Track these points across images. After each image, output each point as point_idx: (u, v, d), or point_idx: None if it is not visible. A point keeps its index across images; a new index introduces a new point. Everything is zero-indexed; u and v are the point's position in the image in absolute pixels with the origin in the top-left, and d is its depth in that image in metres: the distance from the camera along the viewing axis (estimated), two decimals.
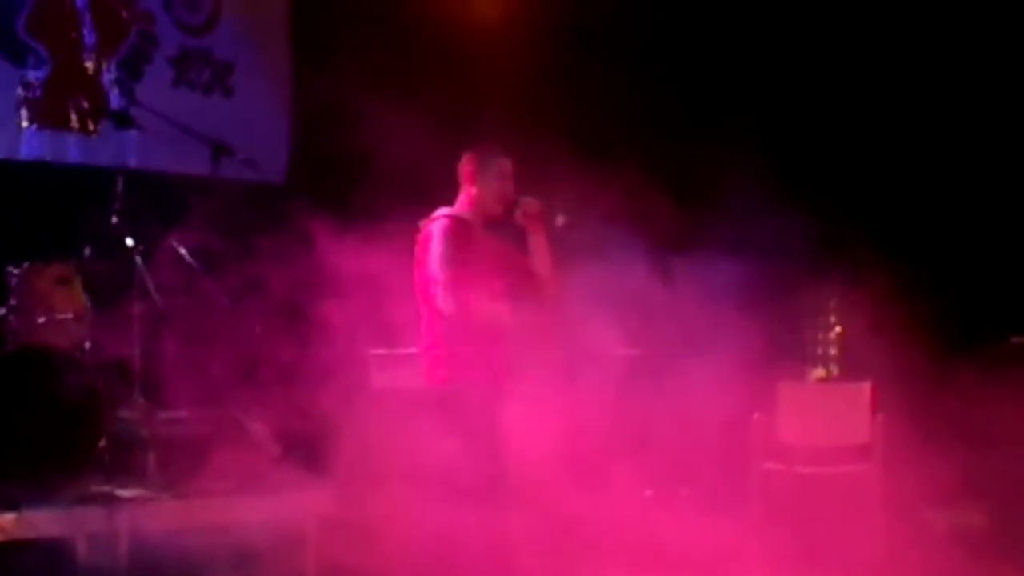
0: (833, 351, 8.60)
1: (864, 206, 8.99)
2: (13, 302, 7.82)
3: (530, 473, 6.57)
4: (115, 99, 9.26)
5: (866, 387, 8.20)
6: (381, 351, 8.27)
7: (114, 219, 8.00)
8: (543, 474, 6.67)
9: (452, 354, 6.31)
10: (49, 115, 9.17)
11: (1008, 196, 9.18)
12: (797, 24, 9.80)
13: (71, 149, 9.25)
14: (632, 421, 7.82)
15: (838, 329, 8.71)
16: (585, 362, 7.76)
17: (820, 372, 8.56)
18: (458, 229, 6.30)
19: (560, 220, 6.38)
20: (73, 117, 9.21)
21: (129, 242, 7.94)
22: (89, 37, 9.21)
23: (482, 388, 6.26)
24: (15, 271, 7.86)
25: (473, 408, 6.23)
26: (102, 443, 7.38)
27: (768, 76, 9.79)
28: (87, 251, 8.03)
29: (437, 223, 6.36)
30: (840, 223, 8.68)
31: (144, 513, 7.06)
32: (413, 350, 8.29)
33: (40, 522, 6.85)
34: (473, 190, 6.43)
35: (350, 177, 9.30)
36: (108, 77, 9.29)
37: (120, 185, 8.05)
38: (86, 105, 9.23)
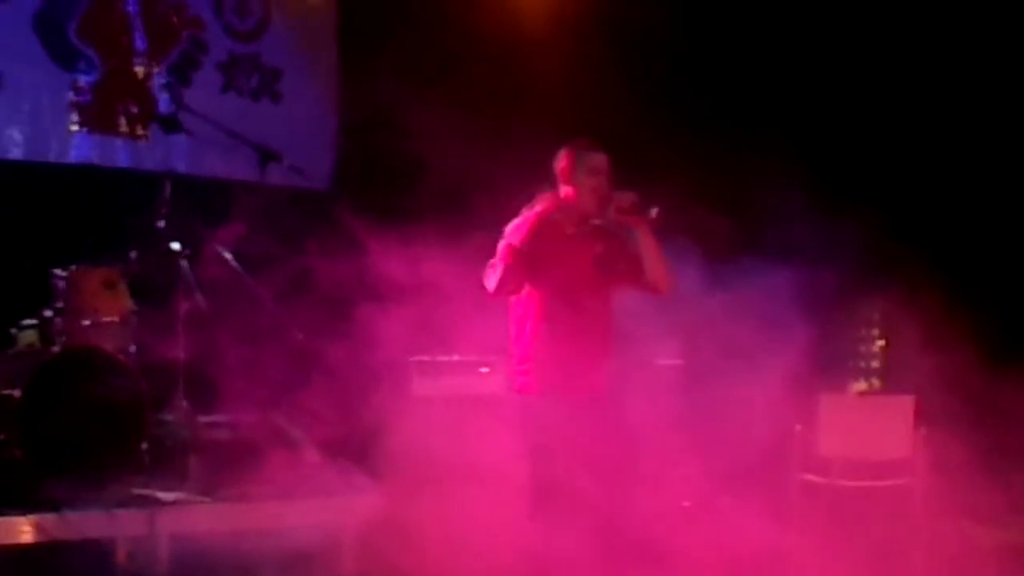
0: (876, 364, 8.55)
1: (911, 218, 8.93)
2: (59, 304, 7.88)
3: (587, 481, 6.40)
4: (164, 104, 9.32)
5: (909, 400, 8.15)
6: (423, 358, 8.29)
7: (161, 223, 8.07)
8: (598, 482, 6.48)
9: (535, 362, 6.19)
10: (98, 119, 9.25)
11: None
12: (857, 33, 9.73)
13: (119, 153, 9.34)
14: (676, 431, 7.78)
15: (881, 342, 8.66)
16: (636, 371, 7.72)
17: (862, 385, 8.51)
18: (538, 223, 6.12)
19: (654, 212, 6.11)
20: (122, 121, 9.30)
21: (175, 246, 8.00)
22: (140, 42, 9.29)
23: (559, 402, 6.11)
24: (62, 274, 7.92)
25: (547, 422, 6.11)
26: (144, 446, 7.44)
27: (821, 85, 9.74)
28: (133, 255, 8.09)
29: (519, 218, 6.23)
30: (887, 235, 8.61)
31: (185, 516, 7.08)
32: (455, 357, 8.37)
33: (81, 523, 6.85)
34: (567, 187, 6.26)
35: (396, 183, 9.34)
36: (158, 82, 9.36)
37: (168, 190, 8.11)
38: (135, 110, 9.31)
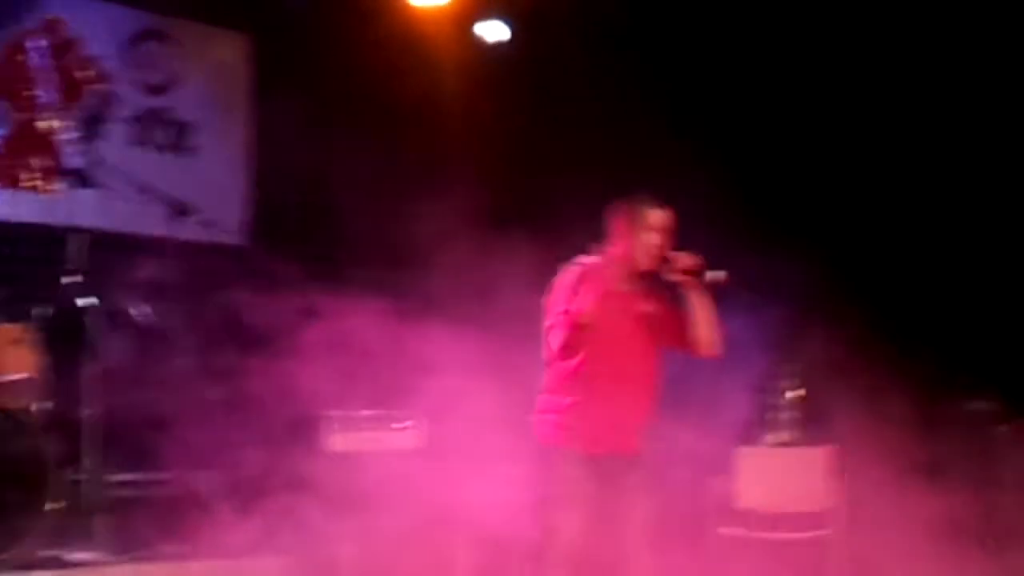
0: (792, 415, 8.55)
1: (839, 264, 8.93)
2: None
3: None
4: (73, 158, 9.17)
5: (824, 452, 8.17)
6: (338, 413, 8.21)
7: (68, 279, 7.94)
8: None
9: (568, 415, 6.03)
10: (4, 174, 9.10)
11: (967, 259, 9.18)
12: (792, 66, 9.74)
13: (25, 207, 9.16)
14: None
15: (798, 393, 8.66)
16: None
17: (780, 436, 8.50)
18: (590, 281, 5.94)
19: (710, 276, 5.96)
20: (27, 176, 9.13)
21: (83, 302, 7.86)
22: (47, 96, 9.14)
23: (586, 458, 5.97)
24: None
25: (571, 475, 5.96)
26: (51, 506, 7.27)
27: (743, 114, 9.72)
28: (40, 311, 7.93)
29: (567, 270, 6.05)
30: (811, 283, 8.63)
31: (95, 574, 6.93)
32: (371, 412, 8.29)
33: None
34: (623, 241, 6.07)
35: (313, 234, 9.27)
36: (66, 136, 9.21)
37: (76, 244, 7.99)
38: (42, 164, 9.15)
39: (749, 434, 8.52)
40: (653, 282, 6.11)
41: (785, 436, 8.50)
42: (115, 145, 9.43)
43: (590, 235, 6.17)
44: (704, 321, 6.01)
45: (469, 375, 7.56)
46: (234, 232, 9.68)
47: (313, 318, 7.90)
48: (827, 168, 9.49)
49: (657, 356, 6.13)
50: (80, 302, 7.85)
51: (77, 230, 8.26)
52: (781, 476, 8.21)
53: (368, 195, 9.23)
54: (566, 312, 5.87)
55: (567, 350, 5.92)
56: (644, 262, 6.01)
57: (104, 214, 8.94)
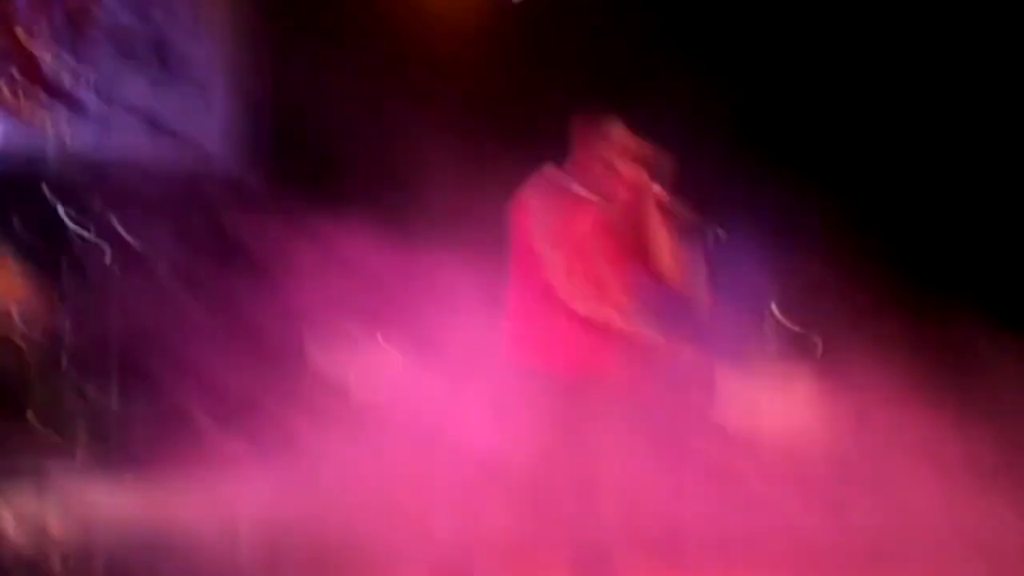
0: (779, 334, 8.57)
1: (818, 186, 8.90)
2: None
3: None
4: (56, 79, 9.11)
5: (806, 374, 8.19)
6: (322, 329, 8.21)
7: (50, 197, 7.93)
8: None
9: (537, 334, 5.97)
10: None
11: (957, 179, 9.16)
12: None
13: (3, 126, 9.09)
14: None
15: (780, 313, 8.68)
16: None
17: (765, 355, 8.52)
18: (557, 203, 5.75)
19: (665, 196, 5.72)
20: (7, 93, 9.05)
21: (65, 220, 7.85)
22: (25, 10, 9.06)
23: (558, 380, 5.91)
24: None
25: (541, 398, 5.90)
26: (32, 416, 7.28)
27: (735, 40, 9.62)
28: (22, 229, 7.92)
29: (532, 192, 5.79)
30: (786, 205, 8.60)
31: (76, 488, 6.92)
32: (359, 329, 8.29)
33: None
34: (581, 158, 5.87)
35: (300, 156, 9.22)
36: (49, 56, 9.15)
37: (57, 164, 7.97)
38: (21, 81, 9.08)
39: (734, 355, 8.52)
40: (621, 203, 6.06)
41: (770, 358, 8.52)
42: (98, 65, 9.33)
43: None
44: (663, 247, 5.81)
45: (458, 293, 7.55)
46: (220, 153, 9.62)
47: (301, 235, 7.89)
48: (818, 89, 9.44)
49: (631, 272, 6.05)
50: (65, 222, 7.86)
51: (68, 152, 8.26)
52: (766, 395, 8.23)
53: (360, 115, 9.19)
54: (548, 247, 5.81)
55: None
56: (602, 180, 5.94)
57: (85, 133, 8.89)
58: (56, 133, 8.85)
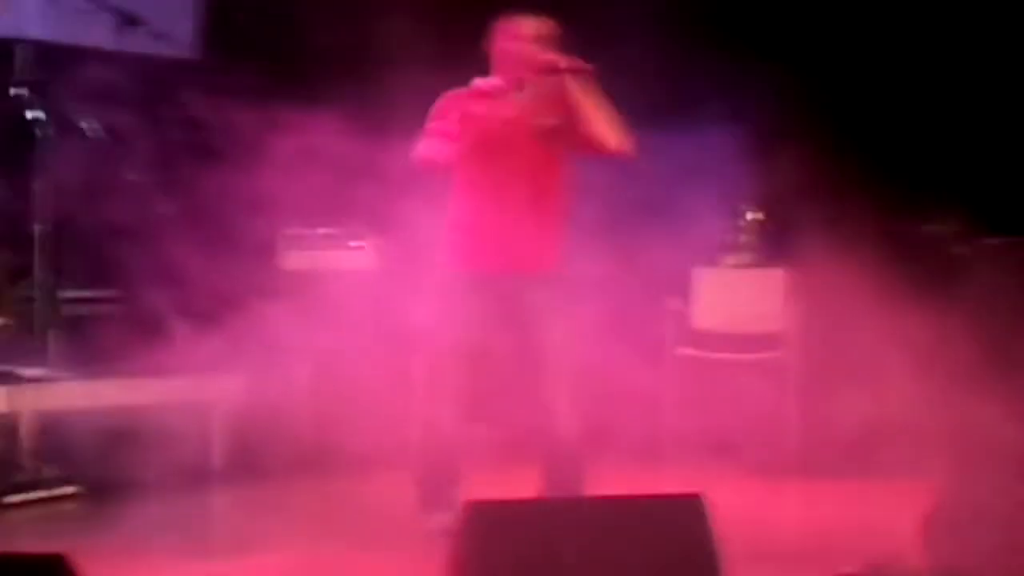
0: (752, 236, 8.54)
1: (787, 88, 8.82)
2: None
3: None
4: None
5: (780, 273, 8.18)
6: (293, 231, 8.13)
7: (14, 91, 7.77)
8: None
9: (468, 236, 5.99)
10: None
11: (927, 79, 9.09)
12: None
13: None
14: None
15: (753, 215, 8.63)
16: None
17: (734, 258, 8.49)
18: (463, 97, 5.98)
19: (565, 63, 5.83)
20: None
21: (31, 115, 7.70)
22: None
23: (489, 279, 5.90)
24: None
25: (469, 297, 5.88)
26: (1, 322, 7.20)
27: None
28: None
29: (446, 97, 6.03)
30: (760, 106, 8.53)
31: (47, 393, 6.86)
32: (328, 231, 8.22)
33: None
34: (496, 57, 6.07)
35: (268, 47, 9.05)
36: None
37: (23, 56, 7.80)
38: None
39: (708, 254, 8.51)
40: (548, 91, 5.99)
41: (744, 257, 8.50)
42: None
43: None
44: (597, 117, 5.89)
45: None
46: (187, 45, 9.43)
47: (270, 132, 7.77)
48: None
49: (560, 168, 6.06)
50: (29, 115, 7.70)
51: (23, 41, 8.08)
52: (739, 297, 8.23)
53: (330, 5, 9.01)
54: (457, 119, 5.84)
55: (430, 163, 5.86)
56: (524, 70, 5.93)
57: (51, 24, 8.69)
58: (19, 22, 8.67)
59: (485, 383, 6.05)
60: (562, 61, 5.85)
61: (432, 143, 5.88)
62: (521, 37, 5.99)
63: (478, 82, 6.08)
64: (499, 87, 6.03)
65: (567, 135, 5.93)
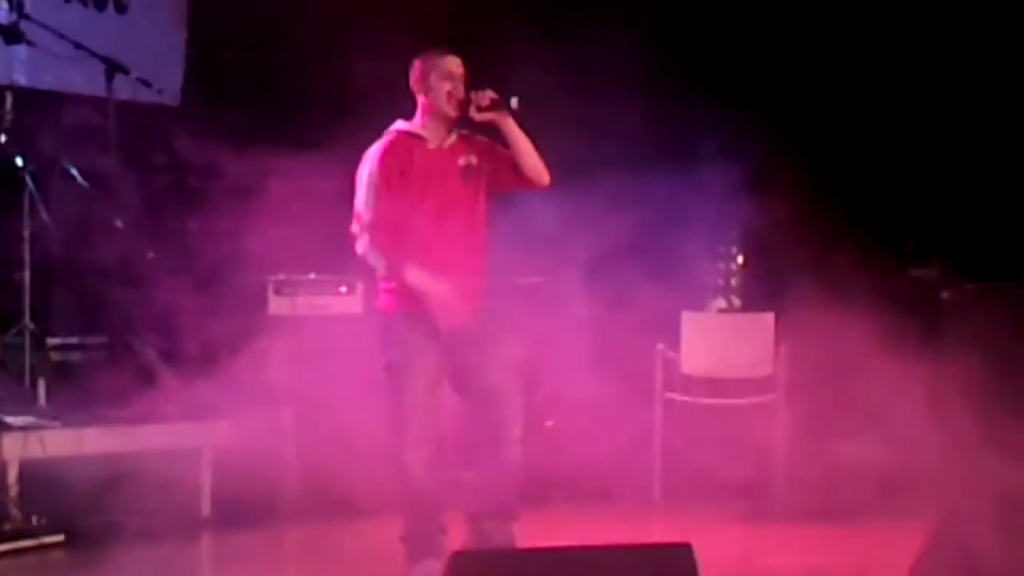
0: (735, 282, 8.56)
1: (774, 135, 8.87)
2: None
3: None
4: (2, 13, 8.89)
5: (769, 318, 8.18)
6: (280, 277, 8.12)
7: (2, 138, 7.78)
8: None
9: (389, 283, 6.01)
10: None
11: (909, 127, 9.15)
12: None
13: None
14: (538, 350, 7.70)
15: (740, 260, 8.66)
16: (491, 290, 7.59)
17: (723, 303, 8.50)
18: (394, 150, 5.95)
19: (515, 103, 5.90)
20: None
21: (19, 162, 7.71)
22: None
23: (424, 322, 5.89)
24: None
25: (410, 341, 5.93)
26: None
27: None
28: None
29: (374, 145, 6.01)
30: (747, 152, 8.57)
31: (34, 441, 6.82)
32: (313, 276, 8.21)
33: None
34: (423, 97, 6.06)
35: (249, 98, 9.08)
36: None
37: (9, 103, 7.81)
38: None
39: (697, 299, 8.53)
40: (470, 130, 6.07)
41: (731, 302, 8.52)
42: (46, 1, 9.09)
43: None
44: (525, 151, 5.98)
45: None
46: (173, 93, 9.45)
47: (256, 180, 7.78)
48: (779, 34, 9.37)
49: (483, 207, 6.10)
50: (17, 161, 7.72)
51: (10, 87, 8.09)
52: (726, 342, 8.23)
53: (311, 52, 9.05)
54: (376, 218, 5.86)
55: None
56: (448, 111, 5.96)
57: (37, 72, 8.71)
58: (5, 69, 8.68)
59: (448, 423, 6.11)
60: (503, 99, 5.89)
61: (374, 250, 5.89)
62: (453, 76, 6.01)
63: (405, 127, 6.06)
64: (429, 129, 6.04)
65: (491, 172, 6.00)
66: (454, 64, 6.02)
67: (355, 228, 5.92)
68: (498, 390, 5.94)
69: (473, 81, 6.03)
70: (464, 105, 5.94)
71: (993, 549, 6.05)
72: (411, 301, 5.89)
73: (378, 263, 5.93)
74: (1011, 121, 8.89)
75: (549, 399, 8.15)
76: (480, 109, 5.92)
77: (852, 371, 7.75)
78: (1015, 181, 8.88)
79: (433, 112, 6.01)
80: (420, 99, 6.06)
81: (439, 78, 5.98)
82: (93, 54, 7.95)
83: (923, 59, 9.12)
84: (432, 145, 6.00)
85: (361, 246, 5.94)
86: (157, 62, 9.27)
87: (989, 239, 8.84)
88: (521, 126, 5.97)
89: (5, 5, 8.57)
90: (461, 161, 6.03)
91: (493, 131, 6.02)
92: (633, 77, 8.42)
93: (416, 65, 6.06)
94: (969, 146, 9.00)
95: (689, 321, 8.25)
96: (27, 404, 7.30)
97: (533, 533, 5.99)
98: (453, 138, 6.05)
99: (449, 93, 5.96)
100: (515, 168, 6.00)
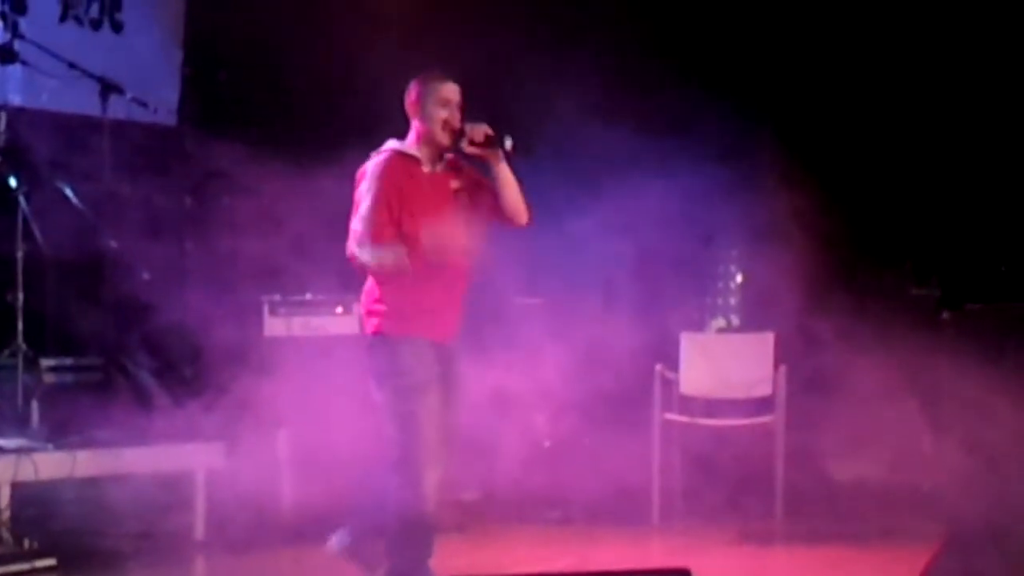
0: (734, 301, 8.52)
1: (776, 155, 8.86)
2: None
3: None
4: None
5: (769, 338, 8.14)
6: (275, 297, 8.08)
7: None
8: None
9: (388, 306, 5.96)
10: None
11: (910, 147, 9.13)
12: None
13: None
14: (536, 370, 7.66)
15: (740, 279, 8.62)
16: (491, 311, 7.56)
17: (721, 322, 8.46)
18: (394, 169, 5.84)
19: (508, 144, 5.82)
20: None
21: (12, 182, 7.68)
22: None
23: (418, 344, 5.85)
24: None
25: (409, 364, 5.86)
26: None
27: None
28: None
29: (372, 160, 5.89)
30: (748, 173, 8.55)
31: (26, 464, 6.77)
32: (308, 296, 8.17)
33: None
34: (418, 121, 5.94)
35: (245, 116, 9.05)
36: None
37: (3, 122, 7.78)
38: None
39: (696, 320, 8.49)
40: (460, 157, 5.97)
41: (730, 322, 8.48)
42: (42, 20, 9.09)
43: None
44: (509, 190, 5.90)
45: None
46: (168, 112, 9.43)
47: (251, 200, 7.75)
48: (779, 43, 9.34)
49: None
50: (11, 182, 7.68)
51: (3, 107, 8.06)
52: (726, 362, 8.18)
53: (308, 72, 9.03)
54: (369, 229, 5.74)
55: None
56: (442, 139, 5.90)
57: (33, 92, 8.68)
58: (2, 91, 8.65)
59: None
60: (497, 137, 5.83)
61: (367, 246, 5.81)
62: (450, 104, 5.94)
63: (400, 147, 5.99)
64: (422, 152, 5.98)
65: (471, 201, 5.95)
66: (451, 91, 5.93)
67: (351, 246, 5.82)
68: (453, 434, 5.88)
69: (468, 112, 5.98)
70: (458, 136, 5.89)
71: (996, 569, 6.02)
72: (411, 323, 5.83)
73: (373, 255, 5.76)
74: (1013, 143, 8.87)
75: (547, 420, 8.11)
76: (473, 143, 5.86)
77: (851, 391, 7.73)
78: (1016, 202, 8.86)
79: (427, 139, 5.94)
80: (414, 123, 5.98)
81: (435, 104, 5.89)
82: (88, 74, 7.94)
83: (925, 81, 9.10)
84: (427, 168, 5.95)
85: (351, 247, 5.82)
86: (153, 82, 9.24)
87: (989, 260, 8.82)
88: (511, 167, 5.89)
89: (0, 24, 8.56)
90: (453, 184, 5.98)
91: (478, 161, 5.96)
92: (636, 97, 8.42)
93: (413, 87, 5.98)
94: (969, 167, 8.98)
95: (688, 341, 8.21)
96: (20, 426, 7.24)
97: (531, 557, 5.95)
98: (444, 162, 5.99)
99: (445, 121, 5.88)
100: (495, 201, 5.94)
